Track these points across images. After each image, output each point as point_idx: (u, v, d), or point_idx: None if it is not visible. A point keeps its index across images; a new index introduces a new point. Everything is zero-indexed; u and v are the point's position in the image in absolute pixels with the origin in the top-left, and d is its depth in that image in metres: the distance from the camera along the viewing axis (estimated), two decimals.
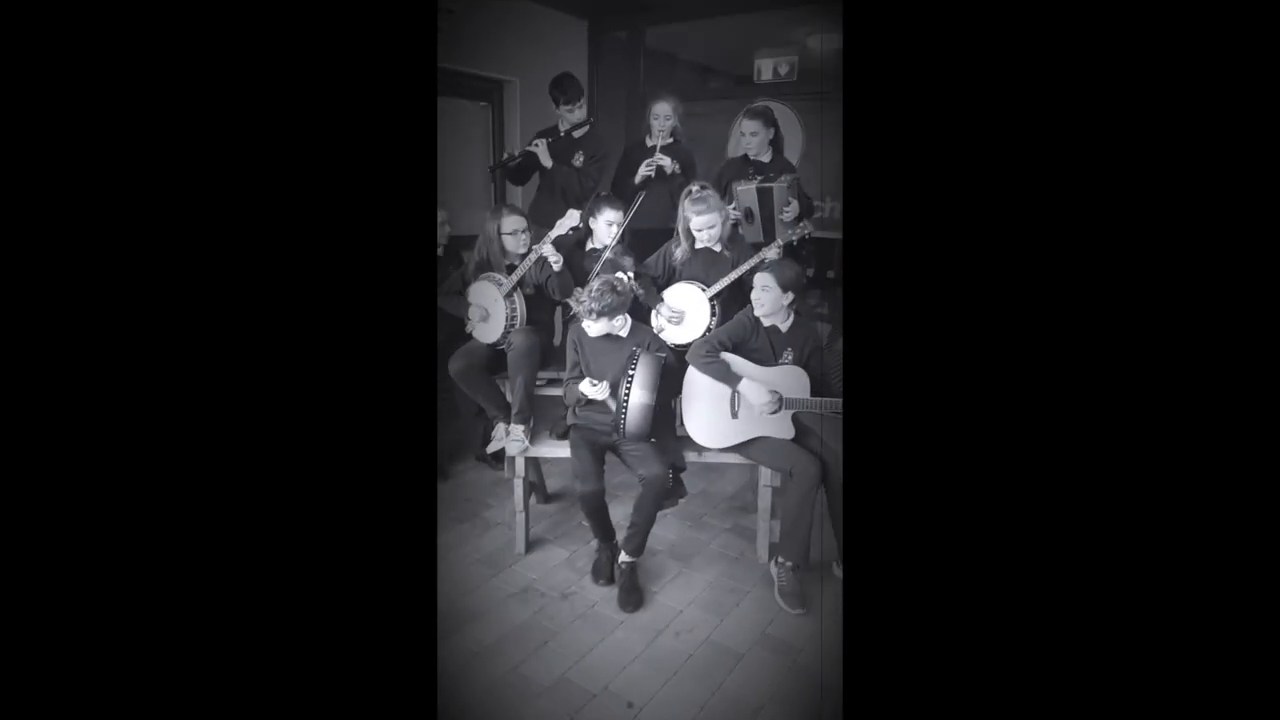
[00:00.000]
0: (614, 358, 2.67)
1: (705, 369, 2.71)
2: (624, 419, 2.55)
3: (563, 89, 3.57)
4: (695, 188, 3.07)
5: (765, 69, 4.96)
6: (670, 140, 3.54)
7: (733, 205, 3.31)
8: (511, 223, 3.12)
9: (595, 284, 2.67)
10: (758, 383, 2.67)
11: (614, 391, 2.61)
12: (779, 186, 3.27)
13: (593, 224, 3.19)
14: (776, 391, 2.67)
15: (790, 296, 2.71)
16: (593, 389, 2.61)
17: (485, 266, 3.17)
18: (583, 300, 2.66)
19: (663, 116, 3.52)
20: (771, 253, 2.94)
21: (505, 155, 3.85)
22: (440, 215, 3.39)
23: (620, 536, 2.68)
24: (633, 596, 2.58)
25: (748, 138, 3.49)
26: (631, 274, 2.88)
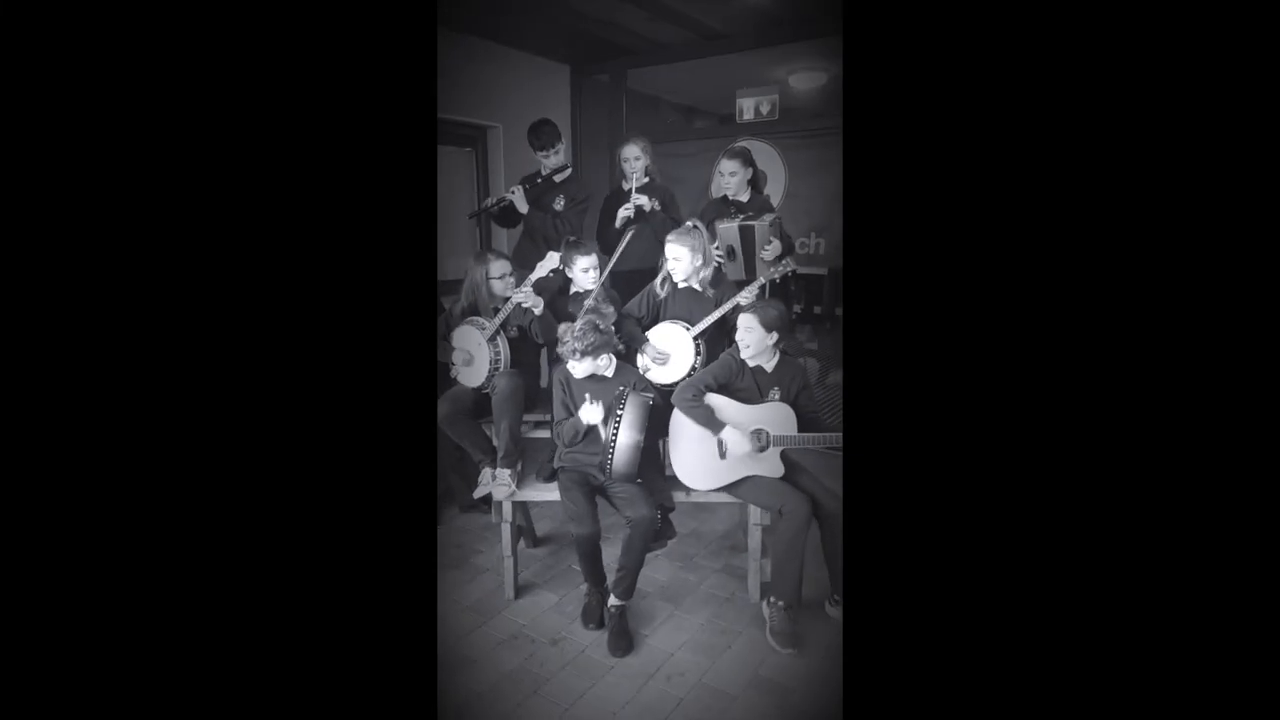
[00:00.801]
0: (601, 399, 2.67)
1: (690, 414, 2.71)
2: (611, 459, 2.54)
3: (538, 135, 3.61)
4: (689, 224, 3.10)
5: (747, 108, 5.03)
6: (645, 180, 3.57)
7: (715, 245, 3.33)
8: (498, 267, 3.14)
9: (577, 324, 2.68)
10: (739, 428, 2.67)
11: (606, 419, 2.60)
12: (760, 225, 3.29)
13: (569, 272, 3.21)
14: (763, 429, 2.67)
15: (774, 336, 2.72)
16: (592, 411, 2.61)
17: (472, 311, 3.18)
18: (565, 341, 2.67)
19: (632, 158, 3.57)
20: (752, 291, 2.95)
21: (484, 203, 3.88)
22: None
23: (610, 580, 2.65)
24: (623, 641, 2.54)
25: (726, 178, 3.53)
26: (612, 328, 2.89)
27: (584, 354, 2.62)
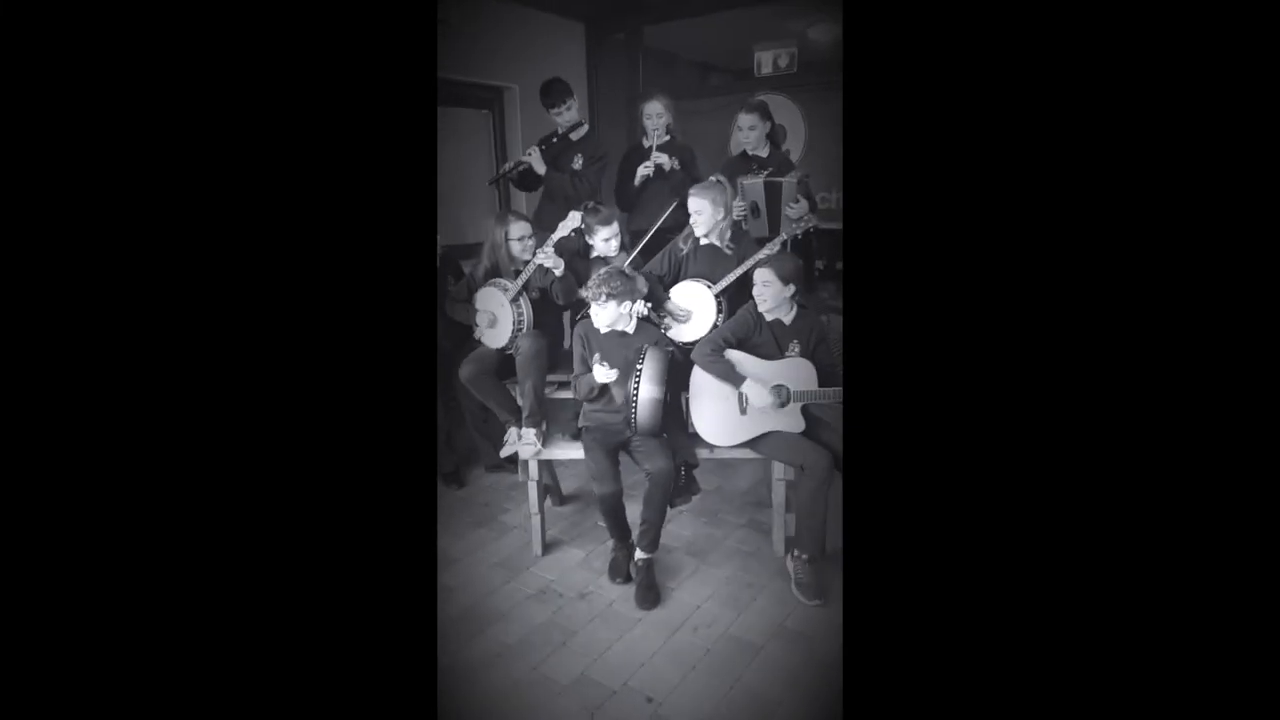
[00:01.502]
0: (621, 354, 2.69)
1: (710, 368, 2.72)
2: (634, 413, 2.57)
3: (548, 93, 3.59)
4: (712, 179, 3.08)
5: (765, 62, 4.96)
6: (666, 138, 3.55)
7: (738, 200, 3.31)
8: (518, 229, 3.16)
9: (603, 270, 2.69)
10: (760, 382, 2.68)
11: (623, 384, 2.62)
12: (787, 183, 3.27)
13: (590, 239, 3.21)
14: (783, 385, 2.68)
15: (792, 289, 2.71)
16: (603, 371, 2.62)
17: (494, 273, 3.20)
18: (590, 286, 2.69)
19: (655, 115, 3.54)
20: (773, 248, 2.94)
21: (502, 168, 3.87)
22: None
23: (635, 535, 2.69)
24: (650, 594, 2.59)
25: (745, 132, 3.50)
26: (646, 306, 2.90)
27: (609, 297, 2.63)
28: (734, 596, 2.63)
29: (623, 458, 2.77)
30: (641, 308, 2.81)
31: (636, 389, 2.56)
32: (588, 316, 2.78)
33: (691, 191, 3.02)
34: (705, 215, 3.00)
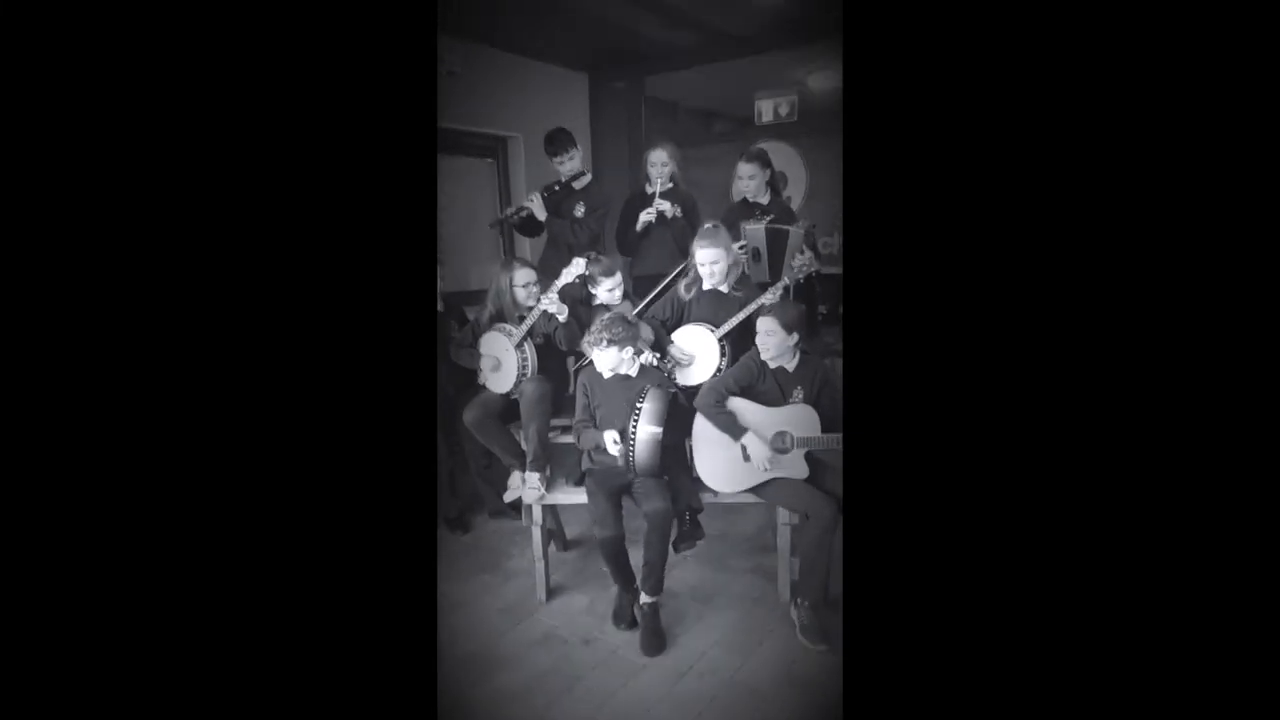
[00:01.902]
0: (624, 399, 2.70)
1: (713, 419, 2.73)
2: (633, 453, 2.58)
3: (551, 141, 3.66)
4: (709, 225, 3.12)
5: (766, 110, 5.05)
6: (669, 185, 3.60)
7: (740, 245, 3.35)
8: (523, 275, 3.20)
9: (605, 316, 2.72)
10: (760, 435, 2.69)
11: (623, 435, 2.64)
12: (794, 232, 3.31)
13: (593, 289, 3.25)
14: (786, 431, 2.69)
15: (795, 337, 2.74)
16: (611, 440, 2.63)
17: (498, 318, 3.24)
18: (591, 333, 2.71)
19: (659, 164, 3.59)
20: (776, 292, 2.97)
21: (504, 212, 3.92)
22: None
23: (638, 579, 2.68)
24: (655, 640, 2.57)
25: (745, 181, 3.55)
26: (639, 323, 2.92)
27: (610, 343, 2.66)
28: (739, 642, 2.61)
29: (627, 503, 2.77)
30: (650, 358, 2.83)
31: (635, 429, 2.57)
32: (592, 365, 2.80)
33: (702, 242, 3.04)
34: (721, 264, 3.04)
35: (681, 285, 3.17)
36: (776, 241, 3.36)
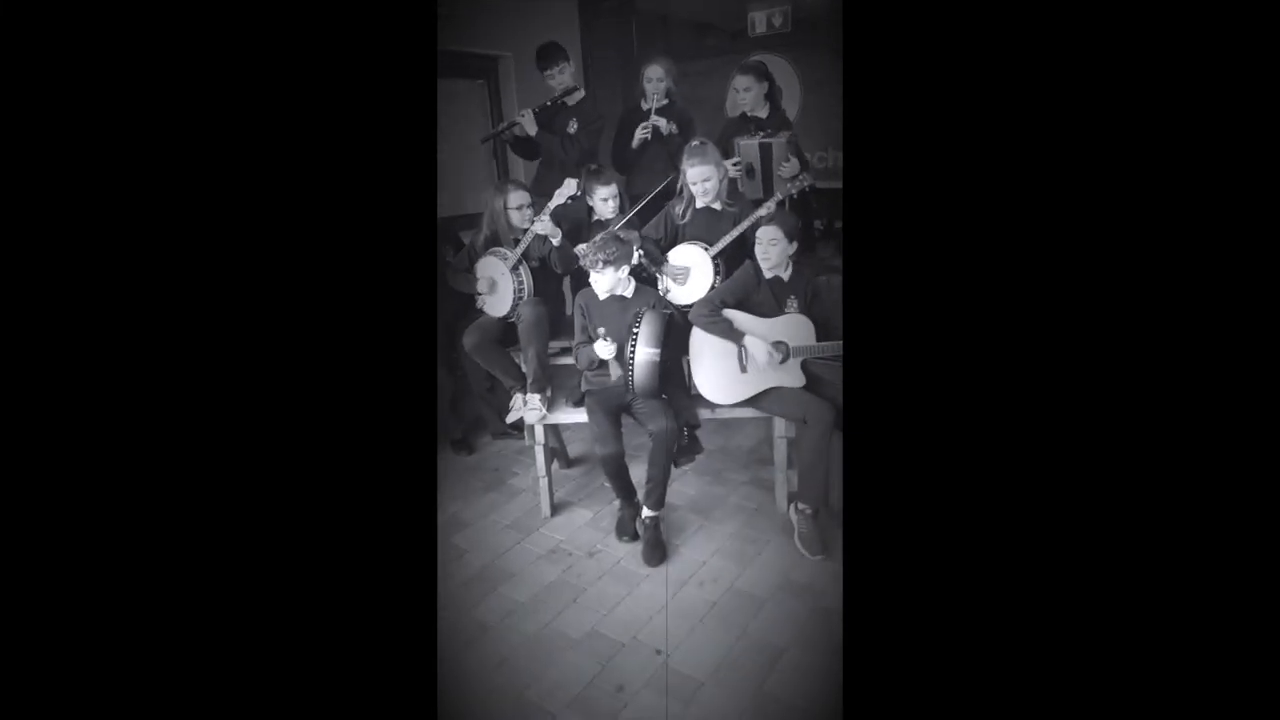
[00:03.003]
0: (621, 319, 2.73)
1: (709, 328, 2.75)
2: (632, 375, 2.62)
3: (542, 55, 3.57)
4: (695, 142, 3.09)
5: (759, 21, 4.92)
6: (665, 102, 3.55)
7: (734, 161, 3.32)
8: (517, 198, 3.18)
9: (597, 237, 2.73)
10: (760, 338, 2.71)
11: (620, 352, 2.66)
12: (777, 142, 3.27)
13: (589, 201, 3.22)
14: (783, 341, 2.72)
15: (795, 245, 2.75)
16: (604, 347, 2.67)
17: (494, 242, 3.23)
18: (587, 254, 2.73)
19: (655, 79, 3.52)
20: (769, 207, 2.96)
21: (495, 129, 3.85)
22: None
23: (640, 494, 2.75)
24: (657, 551, 2.66)
25: (741, 94, 3.49)
26: (639, 251, 2.91)
27: (606, 263, 2.67)
28: (738, 552, 2.69)
29: (627, 420, 2.82)
30: (636, 255, 2.83)
31: (634, 351, 2.60)
32: (588, 287, 2.82)
33: (692, 160, 3.02)
34: (713, 181, 3.02)
35: (676, 207, 3.16)
36: (768, 155, 3.33)
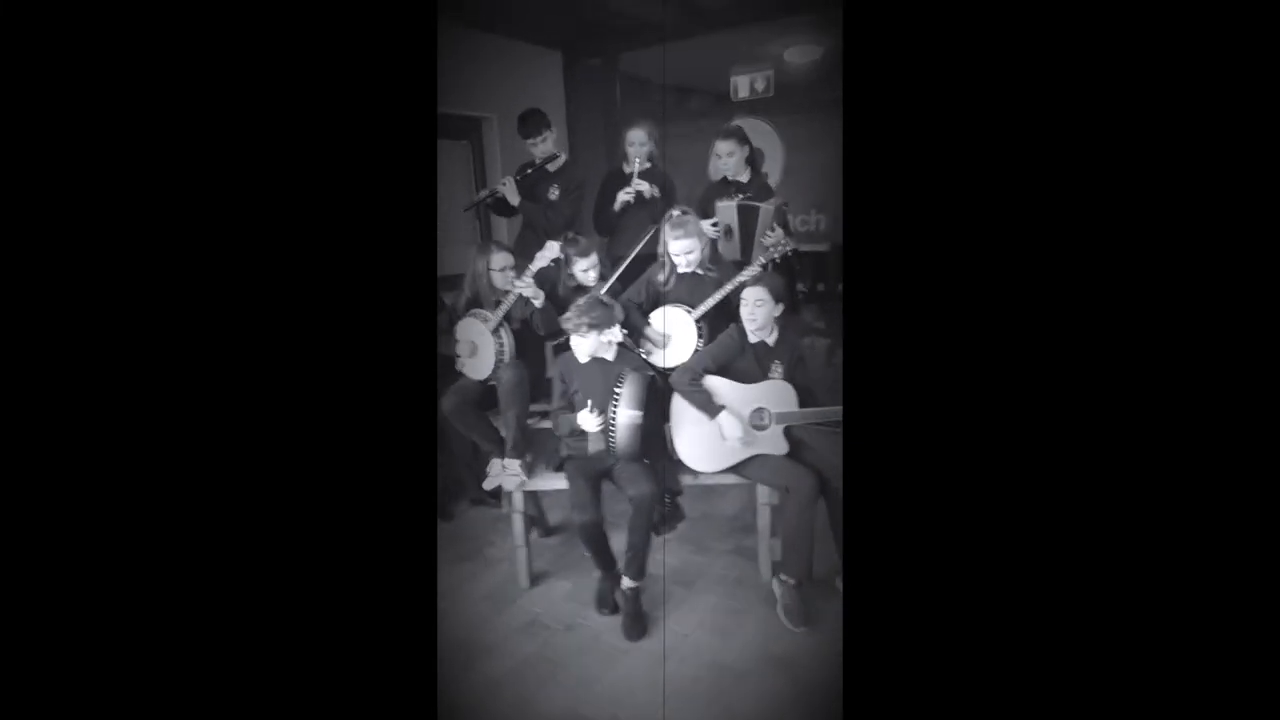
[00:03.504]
0: (602, 383, 2.69)
1: (689, 397, 2.73)
2: (614, 438, 2.57)
3: (524, 123, 3.59)
4: (676, 212, 3.09)
5: (742, 86, 5.02)
6: (647, 165, 3.57)
7: (713, 221, 3.33)
8: (500, 259, 3.17)
9: (581, 300, 2.71)
10: (736, 413, 2.69)
11: (605, 423, 2.62)
12: (765, 209, 3.29)
13: (570, 269, 3.22)
14: (765, 408, 2.68)
15: (780, 308, 2.74)
16: (589, 419, 2.63)
17: (475, 303, 3.20)
18: (570, 317, 2.70)
19: (637, 143, 3.55)
20: (752, 271, 2.96)
21: (476, 196, 3.86)
22: None
23: (620, 564, 2.68)
24: (637, 624, 2.58)
25: (724, 159, 3.51)
26: (615, 303, 2.89)
27: (590, 327, 2.65)
28: (721, 624, 2.62)
29: (608, 487, 2.77)
30: (618, 333, 2.82)
31: (615, 414, 2.56)
32: (568, 349, 2.78)
33: (675, 233, 3.03)
34: (695, 254, 3.03)
35: (659, 274, 3.15)
36: (747, 218, 3.34)
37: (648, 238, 3.35)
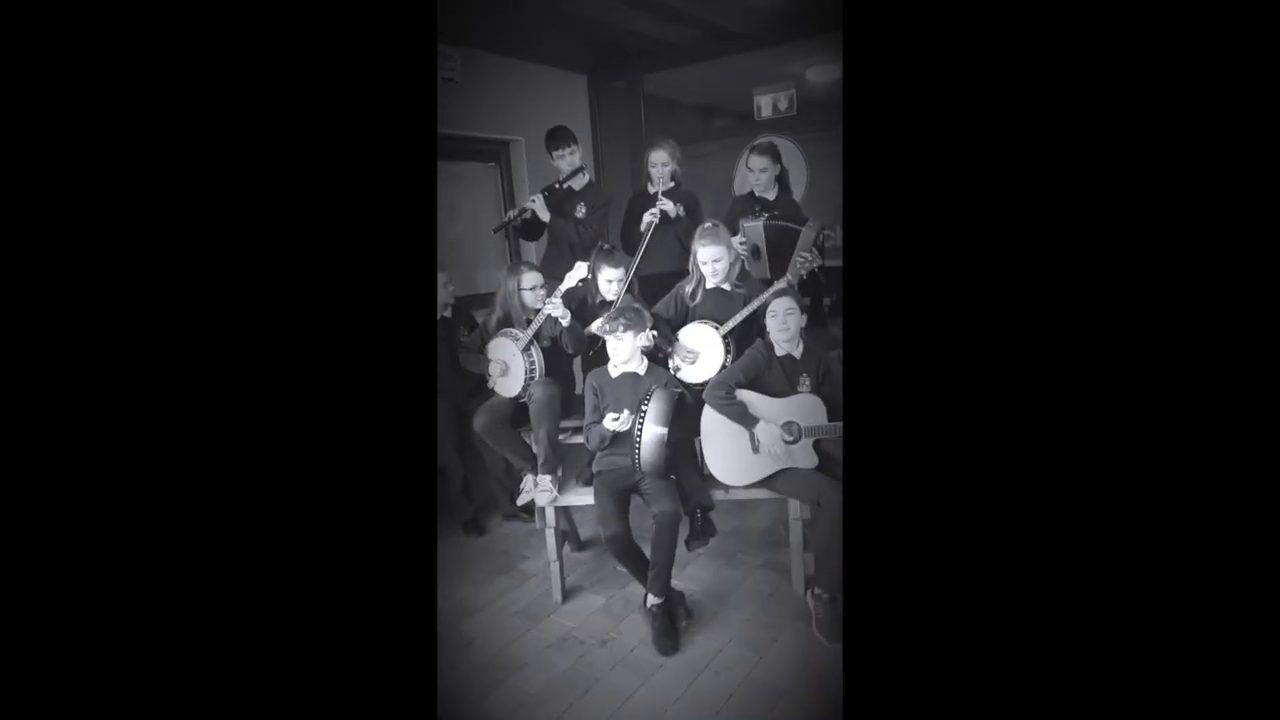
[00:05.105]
0: (633, 397, 2.73)
1: (724, 411, 2.75)
2: (638, 453, 2.60)
3: (551, 137, 3.65)
4: (708, 224, 3.12)
5: (765, 105, 5.04)
6: (671, 185, 3.61)
7: (740, 240, 3.35)
8: (530, 279, 3.23)
9: (617, 304, 2.75)
10: (771, 422, 2.71)
11: (629, 433, 2.65)
12: (805, 231, 3.30)
13: (596, 279, 3.25)
14: (795, 422, 2.70)
15: (805, 320, 2.77)
16: (615, 422, 2.66)
17: (506, 323, 3.26)
18: (606, 320, 2.75)
19: (660, 164, 3.58)
20: (781, 285, 2.98)
21: (506, 215, 3.91)
22: (442, 277, 3.50)
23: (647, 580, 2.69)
24: (668, 640, 2.58)
25: (756, 174, 3.54)
26: (651, 331, 2.92)
27: (627, 328, 2.70)
28: (755, 639, 2.62)
29: (637, 502, 2.79)
30: (648, 337, 2.85)
31: (641, 429, 2.59)
32: (601, 367, 2.82)
33: (703, 240, 3.05)
34: (724, 262, 3.05)
35: (686, 287, 3.18)
36: (776, 238, 3.36)
37: (640, 251, 3.42)
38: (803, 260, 3.10)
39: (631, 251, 3.73)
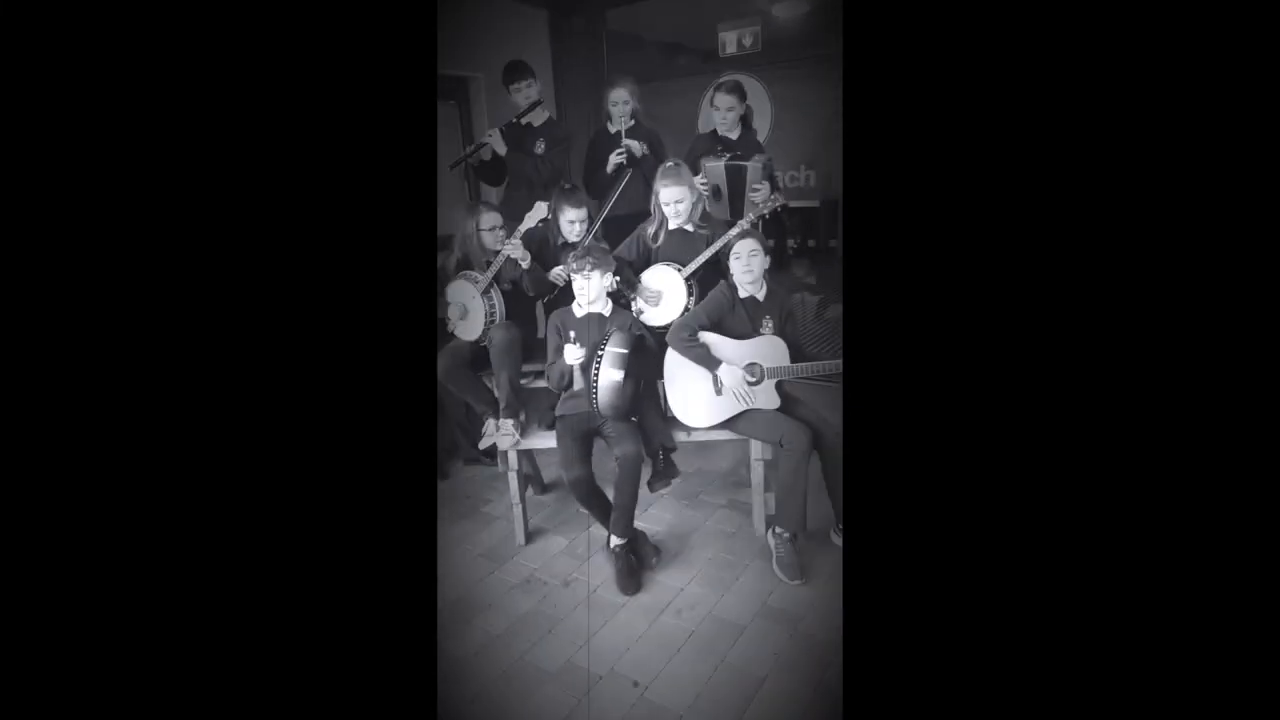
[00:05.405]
0: (597, 338, 2.70)
1: (686, 353, 2.73)
2: (595, 396, 2.59)
3: (508, 70, 3.54)
4: (670, 163, 3.07)
5: (730, 42, 4.95)
6: (631, 123, 3.53)
7: (701, 180, 3.31)
8: (489, 219, 3.16)
9: (584, 243, 2.76)
10: (733, 364, 2.70)
11: (587, 366, 2.64)
12: (752, 165, 3.27)
13: (557, 220, 3.19)
14: (757, 363, 2.70)
15: (769, 261, 2.76)
16: (573, 351, 2.64)
17: (465, 265, 3.19)
18: (574, 260, 2.72)
19: (620, 101, 3.51)
20: (744, 226, 2.95)
21: (464, 151, 3.81)
22: None
23: (610, 521, 2.71)
24: (631, 579, 2.61)
25: (722, 113, 3.48)
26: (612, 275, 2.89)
27: (594, 267, 2.68)
28: (716, 578, 2.65)
29: (600, 445, 2.79)
30: (611, 281, 2.83)
31: (598, 372, 2.57)
32: (565, 306, 2.79)
33: (665, 181, 3.00)
34: (686, 202, 3.01)
35: (649, 229, 3.13)
36: (735, 177, 3.33)
37: (636, 196, 3.35)
38: (762, 199, 3.07)
39: (595, 192, 3.67)
